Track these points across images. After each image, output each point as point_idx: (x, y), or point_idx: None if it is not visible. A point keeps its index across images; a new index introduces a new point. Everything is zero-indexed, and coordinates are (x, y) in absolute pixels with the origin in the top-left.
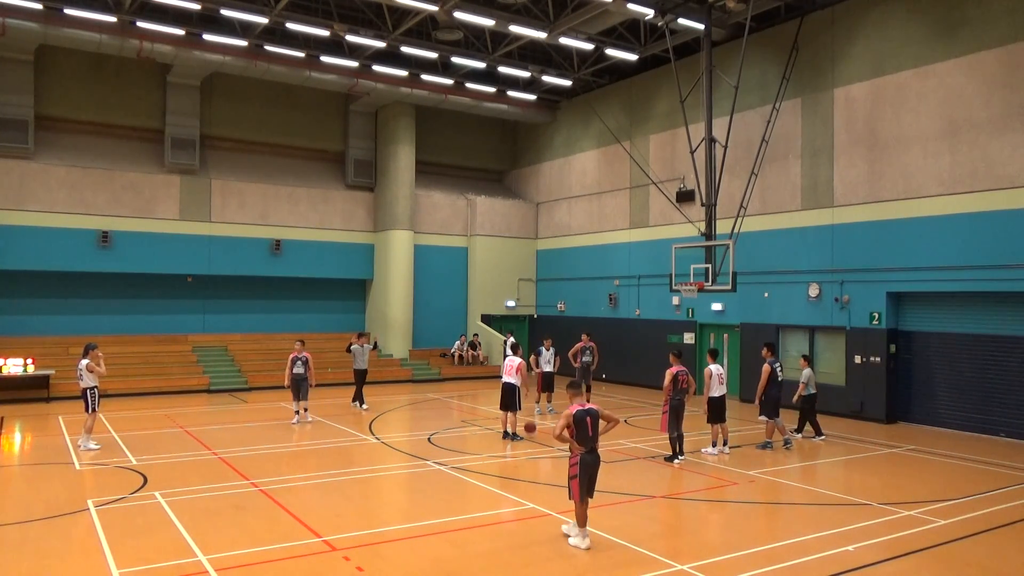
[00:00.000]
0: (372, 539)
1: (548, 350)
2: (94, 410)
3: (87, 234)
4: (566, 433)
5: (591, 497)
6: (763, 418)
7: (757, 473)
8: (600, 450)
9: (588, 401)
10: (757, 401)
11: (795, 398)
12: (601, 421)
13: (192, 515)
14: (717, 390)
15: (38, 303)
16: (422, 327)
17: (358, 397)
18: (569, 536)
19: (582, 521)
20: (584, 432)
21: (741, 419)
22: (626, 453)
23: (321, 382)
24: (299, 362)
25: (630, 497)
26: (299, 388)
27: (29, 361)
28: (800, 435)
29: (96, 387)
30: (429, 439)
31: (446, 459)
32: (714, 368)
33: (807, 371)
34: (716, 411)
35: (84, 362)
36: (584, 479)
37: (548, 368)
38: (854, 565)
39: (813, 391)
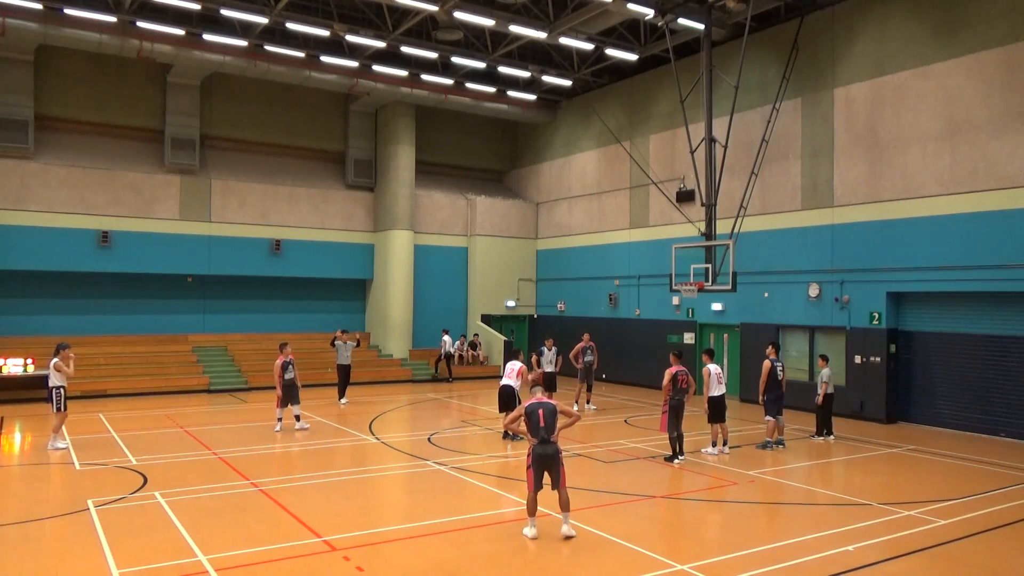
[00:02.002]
0: (372, 539)
1: (550, 350)
2: (60, 410)
3: (87, 234)
4: (518, 424)
5: (558, 490)
6: (769, 418)
7: (757, 473)
8: (600, 450)
9: (589, 402)
10: (760, 399)
11: (819, 399)
12: (562, 416)
13: (192, 515)
14: (716, 389)
15: (38, 303)
16: (422, 327)
17: (342, 394)
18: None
19: (531, 510)
20: (535, 424)
21: (741, 419)
22: (626, 453)
23: (321, 382)
24: (291, 366)
25: (630, 497)
26: (292, 394)
27: (29, 361)
28: (833, 437)
29: (63, 387)
30: (429, 439)
31: (446, 459)
32: (712, 367)
33: (826, 371)
34: (716, 411)
35: (53, 360)
36: (537, 470)
37: (550, 368)
38: (854, 565)
39: (831, 391)
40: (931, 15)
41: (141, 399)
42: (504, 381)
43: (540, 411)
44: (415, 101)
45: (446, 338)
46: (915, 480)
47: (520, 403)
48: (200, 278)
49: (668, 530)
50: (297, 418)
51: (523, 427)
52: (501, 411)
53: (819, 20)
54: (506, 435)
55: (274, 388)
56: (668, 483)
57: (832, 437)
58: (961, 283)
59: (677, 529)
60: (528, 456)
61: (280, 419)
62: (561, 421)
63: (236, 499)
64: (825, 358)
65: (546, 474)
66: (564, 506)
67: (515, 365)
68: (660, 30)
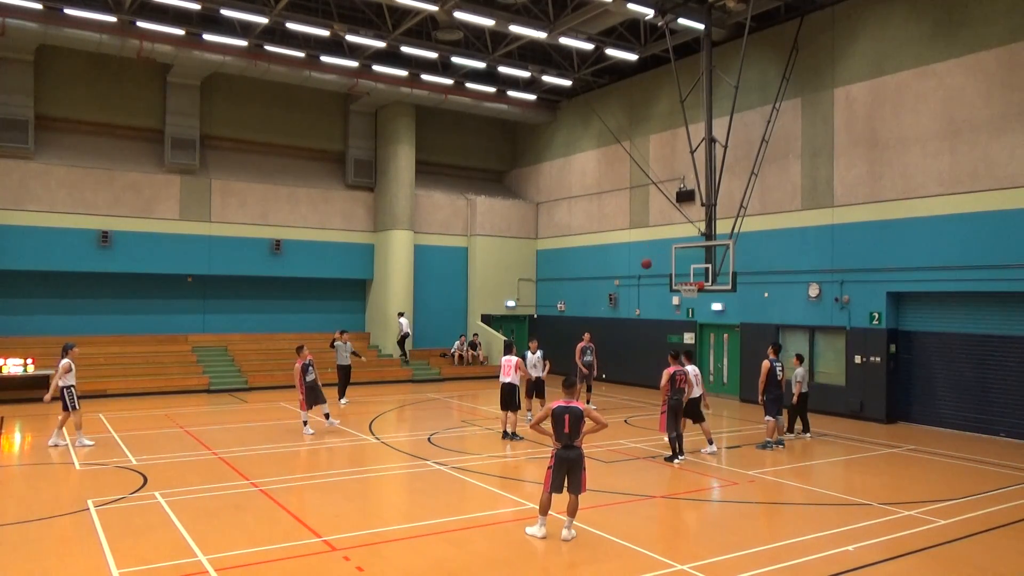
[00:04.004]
0: (372, 539)
1: (534, 353)
2: (75, 408)
3: (87, 234)
4: (545, 426)
5: (576, 493)
6: (768, 418)
7: (757, 473)
8: (600, 450)
9: (588, 401)
10: (760, 398)
11: (795, 399)
12: (589, 421)
13: (192, 515)
14: (695, 391)
15: (38, 303)
16: (422, 327)
17: (342, 394)
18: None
19: (544, 509)
20: (560, 428)
21: (742, 419)
22: (626, 453)
23: (321, 382)
24: (311, 368)
25: (630, 497)
26: (318, 394)
27: (29, 361)
28: (794, 435)
29: (73, 386)
30: (429, 439)
31: (446, 459)
32: (691, 369)
33: (800, 370)
34: (696, 412)
35: (64, 361)
36: (559, 474)
37: (535, 373)
38: (854, 565)
39: (806, 390)
40: (931, 15)
41: (141, 399)
42: (503, 379)
43: (567, 416)
44: (415, 101)
45: (403, 320)
46: (915, 480)
47: (520, 400)
48: (200, 278)
49: (668, 530)
50: (327, 416)
51: (549, 428)
52: (503, 409)
53: (819, 20)
54: (505, 434)
55: (274, 388)
56: (668, 483)
57: (808, 435)
58: (961, 283)
59: (677, 529)
60: (551, 458)
61: (306, 422)
62: (588, 426)
63: (236, 499)
64: (800, 357)
65: (566, 477)
66: (571, 511)
67: (511, 360)
68: (660, 30)
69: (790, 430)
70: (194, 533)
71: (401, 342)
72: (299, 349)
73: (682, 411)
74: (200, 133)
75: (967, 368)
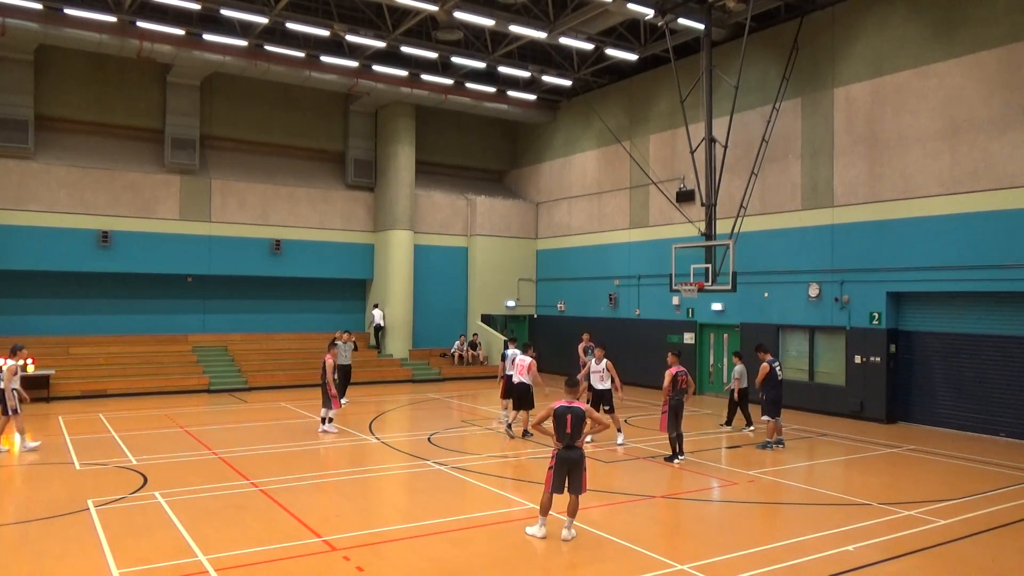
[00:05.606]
0: (372, 539)
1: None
2: (16, 411)
3: (87, 234)
4: (546, 425)
5: (577, 494)
6: (766, 418)
7: (757, 473)
8: (600, 450)
9: (589, 401)
10: (760, 395)
11: (735, 394)
12: (589, 421)
13: (192, 515)
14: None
15: (38, 303)
16: (422, 327)
17: (342, 393)
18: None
19: (544, 510)
20: (562, 428)
21: (741, 419)
22: (626, 453)
23: (321, 382)
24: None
25: (630, 497)
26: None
27: (29, 361)
28: (731, 427)
29: (16, 389)
30: (429, 439)
31: (446, 459)
32: (605, 364)
33: (739, 367)
34: (609, 401)
35: (9, 363)
36: (560, 474)
37: (511, 372)
38: (854, 565)
39: (745, 386)
40: (931, 15)
41: (141, 399)
42: (517, 378)
43: (569, 416)
44: (415, 101)
45: (376, 311)
46: (915, 480)
47: (533, 398)
48: (200, 278)
49: (668, 530)
50: (323, 420)
51: (550, 428)
52: (516, 409)
53: (819, 20)
54: (509, 427)
55: (274, 388)
56: (668, 483)
57: (751, 428)
58: (961, 283)
59: (677, 529)
60: (552, 458)
61: (323, 419)
62: (589, 426)
63: (236, 499)
64: (739, 355)
65: (566, 478)
66: (571, 511)
67: (524, 360)
68: (660, 30)
69: (727, 423)
70: (194, 533)
71: (375, 333)
72: (332, 344)
73: (683, 411)
74: (200, 133)
75: (967, 368)
